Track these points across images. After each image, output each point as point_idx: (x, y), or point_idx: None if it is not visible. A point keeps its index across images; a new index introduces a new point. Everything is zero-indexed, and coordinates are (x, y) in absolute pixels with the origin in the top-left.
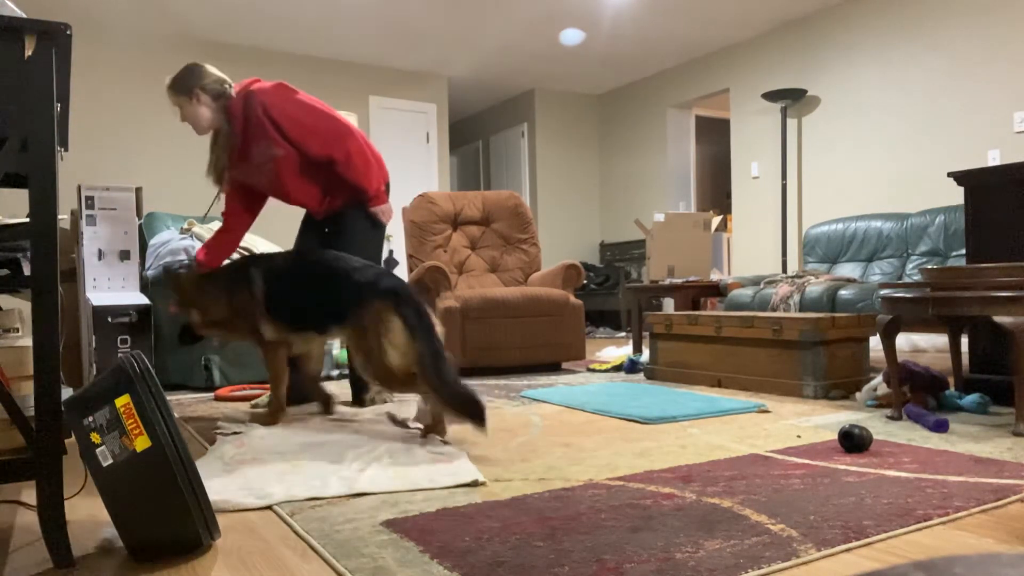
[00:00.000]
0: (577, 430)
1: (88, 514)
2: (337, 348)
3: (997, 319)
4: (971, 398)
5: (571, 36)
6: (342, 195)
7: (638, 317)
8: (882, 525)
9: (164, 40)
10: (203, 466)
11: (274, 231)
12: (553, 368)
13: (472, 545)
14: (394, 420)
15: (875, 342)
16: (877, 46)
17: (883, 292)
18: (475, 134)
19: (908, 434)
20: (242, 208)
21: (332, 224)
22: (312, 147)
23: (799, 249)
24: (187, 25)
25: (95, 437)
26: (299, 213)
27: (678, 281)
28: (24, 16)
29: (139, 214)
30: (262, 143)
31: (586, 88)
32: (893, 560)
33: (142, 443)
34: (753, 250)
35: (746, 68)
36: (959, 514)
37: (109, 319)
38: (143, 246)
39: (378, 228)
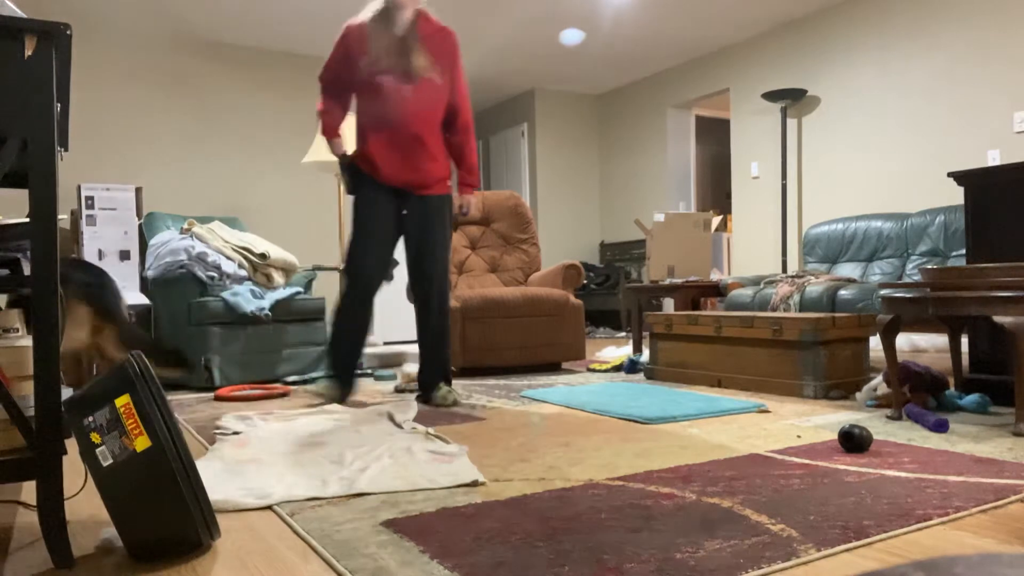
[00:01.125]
0: (577, 430)
1: (88, 514)
2: None
3: (997, 319)
4: (971, 398)
5: (571, 36)
6: (444, 167)
7: (638, 317)
8: (882, 525)
9: (164, 40)
10: (203, 466)
11: (274, 232)
12: (553, 368)
13: (472, 545)
14: (394, 420)
15: (875, 342)
16: (877, 46)
17: (883, 292)
18: (475, 134)
19: (908, 434)
20: (338, 104)
21: (418, 205)
22: (460, 103)
23: (799, 249)
24: (187, 25)
25: (95, 437)
26: (297, 219)
27: (678, 281)
28: (24, 16)
29: (139, 214)
30: (435, 60)
31: (586, 88)
32: (893, 560)
33: (142, 443)
34: (753, 250)
35: (746, 68)
36: (959, 514)
37: None
38: (143, 246)
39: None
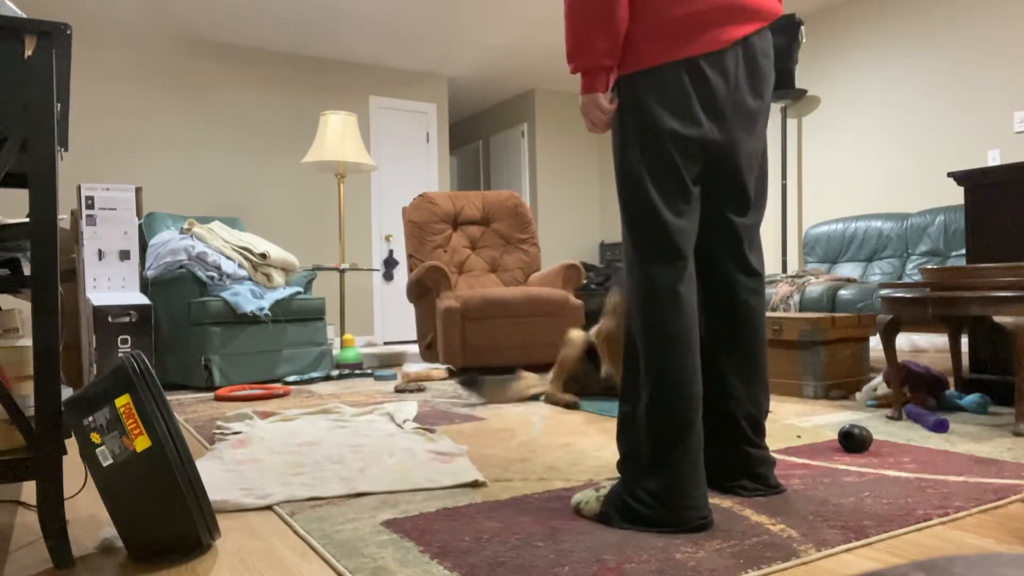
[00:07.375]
0: (577, 430)
1: (88, 514)
2: (337, 347)
3: (997, 319)
4: (971, 398)
5: None
6: None
7: None
8: (882, 525)
9: (164, 40)
10: (203, 466)
11: (274, 232)
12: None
13: (472, 545)
14: (394, 420)
15: (875, 342)
16: (877, 46)
17: (883, 292)
18: (475, 134)
19: (908, 434)
20: None
21: None
22: None
23: (799, 249)
24: (187, 25)
25: (95, 437)
26: (297, 219)
27: None
28: (24, 16)
29: (139, 214)
30: None
31: None
32: (893, 560)
33: (142, 443)
34: None
35: None
36: (959, 514)
37: (109, 319)
38: (143, 246)
39: None
